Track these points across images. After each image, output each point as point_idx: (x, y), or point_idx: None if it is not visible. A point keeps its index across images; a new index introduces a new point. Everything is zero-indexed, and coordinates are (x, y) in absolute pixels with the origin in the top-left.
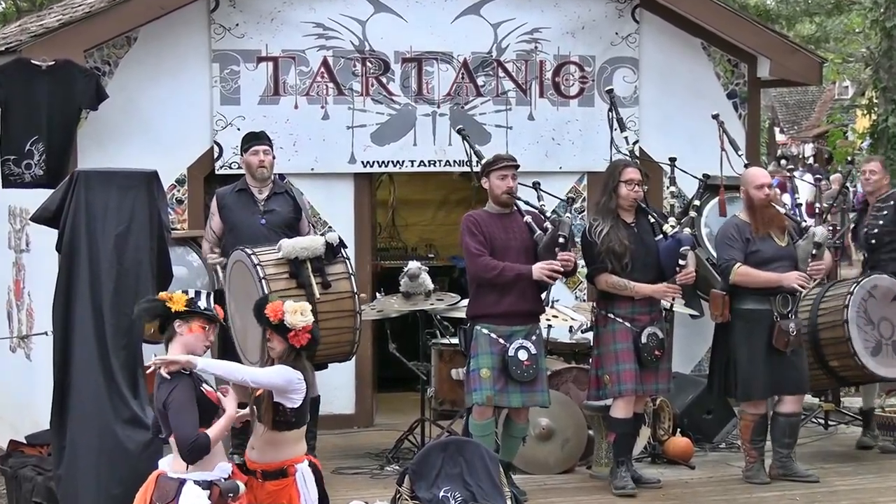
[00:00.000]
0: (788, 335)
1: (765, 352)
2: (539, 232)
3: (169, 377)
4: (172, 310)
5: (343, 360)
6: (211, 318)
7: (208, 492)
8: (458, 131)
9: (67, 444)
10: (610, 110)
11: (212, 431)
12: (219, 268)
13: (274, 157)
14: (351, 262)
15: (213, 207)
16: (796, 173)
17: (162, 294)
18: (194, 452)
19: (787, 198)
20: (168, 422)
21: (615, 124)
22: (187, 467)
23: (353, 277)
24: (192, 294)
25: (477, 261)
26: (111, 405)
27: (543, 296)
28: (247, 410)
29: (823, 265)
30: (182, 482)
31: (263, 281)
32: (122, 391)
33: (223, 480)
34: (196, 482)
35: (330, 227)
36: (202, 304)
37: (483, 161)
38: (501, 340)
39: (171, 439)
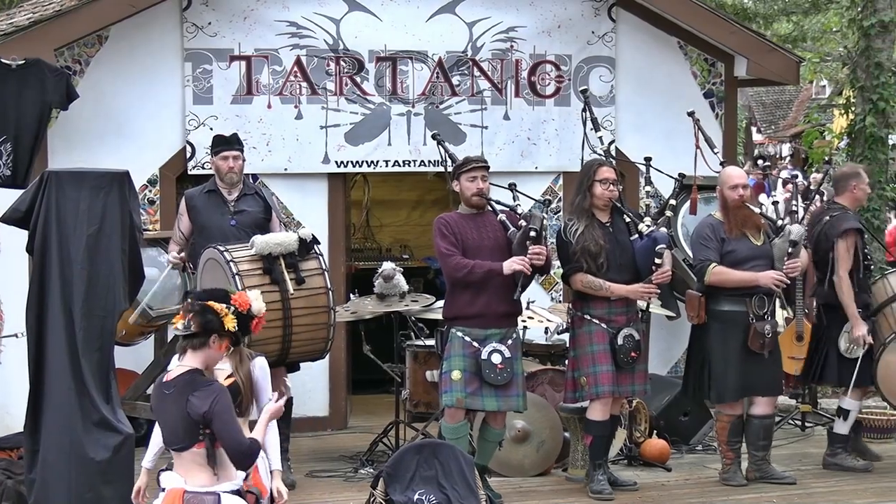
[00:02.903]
0: (764, 337)
1: (740, 354)
2: (513, 229)
3: (209, 384)
4: (225, 328)
5: (317, 359)
6: (238, 343)
7: (244, 501)
8: (434, 136)
9: (40, 447)
10: (584, 110)
11: (258, 435)
12: (169, 269)
13: (244, 161)
14: (324, 259)
15: (182, 208)
16: (783, 173)
17: (219, 308)
18: (251, 458)
19: (763, 197)
20: (195, 429)
21: (590, 124)
22: (215, 479)
23: (326, 273)
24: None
25: (448, 261)
26: (81, 409)
27: (522, 296)
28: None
29: (799, 263)
30: (217, 496)
31: (237, 277)
32: (92, 394)
33: (255, 489)
34: (228, 493)
35: (300, 223)
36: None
37: (454, 164)
38: (475, 343)
39: (192, 450)
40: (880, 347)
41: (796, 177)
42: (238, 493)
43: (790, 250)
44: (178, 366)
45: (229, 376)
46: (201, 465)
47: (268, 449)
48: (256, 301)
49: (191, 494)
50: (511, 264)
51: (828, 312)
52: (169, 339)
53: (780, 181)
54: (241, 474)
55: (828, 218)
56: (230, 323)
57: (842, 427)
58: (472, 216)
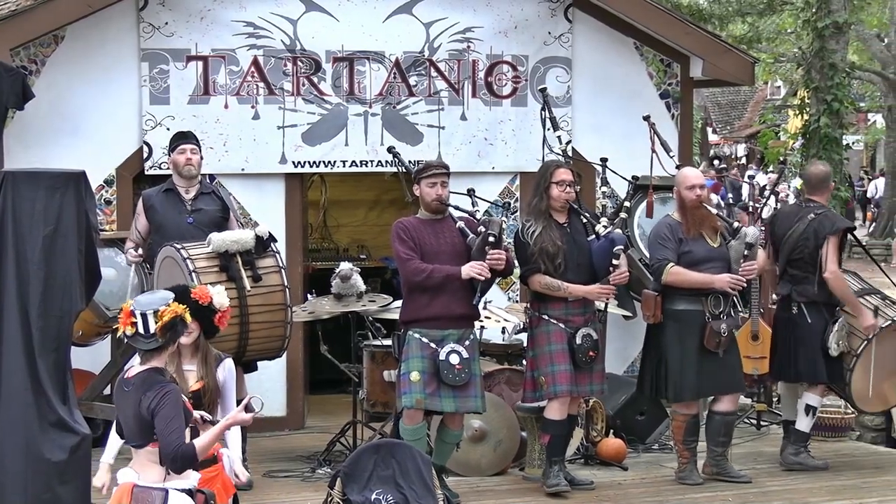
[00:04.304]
0: (720, 336)
1: (696, 353)
2: (472, 236)
3: (162, 384)
4: (186, 324)
5: (274, 357)
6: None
7: (192, 500)
8: (389, 150)
9: None
10: (543, 109)
11: (199, 442)
12: (133, 270)
13: (201, 157)
14: (281, 256)
15: (140, 208)
16: (764, 178)
17: (181, 310)
18: (180, 460)
19: (715, 198)
20: (148, 426)
21: (548, 123)
22: (165, 477)
23: (283, 271)
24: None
25: (406, 265)
26: (37, 409)
27: (480, 301)
28: (249, 416)
29: (756, 265)
30: (165, 492)
31: (194, 274)
32: (48, 395)
33: (205, 490)
34: (178, 490)
35: (257, 223)
36: None
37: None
38: (433, 345)
39: (147, 448)
40: (862, 342)
41: (753, 177)
42: (189, 492)
43: (746, 252)
44: (140, 363)
45: (199, 380)
46: (154, 462)
47: (228, 441)
48: (218, 294)
49: (140, 489)
50: (469, 271)
51: (811, 310)
52: (126, 340)
53: (754, 184)
54: (196, 475)
55: (813, 216)
56: (188, 318)
57: (806, 424)
58: (430, 221)
